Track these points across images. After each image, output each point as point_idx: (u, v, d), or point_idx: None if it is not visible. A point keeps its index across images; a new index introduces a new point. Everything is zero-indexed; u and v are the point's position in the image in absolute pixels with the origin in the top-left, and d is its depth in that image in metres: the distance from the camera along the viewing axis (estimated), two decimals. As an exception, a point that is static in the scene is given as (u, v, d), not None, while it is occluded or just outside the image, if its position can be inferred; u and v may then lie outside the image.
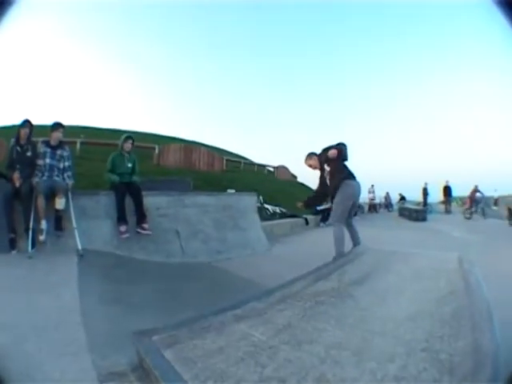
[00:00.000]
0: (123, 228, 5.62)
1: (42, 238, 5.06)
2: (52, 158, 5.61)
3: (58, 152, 5.67)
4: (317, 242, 8.22)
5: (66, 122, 6.06)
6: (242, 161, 17.03)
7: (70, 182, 5.60)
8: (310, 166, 5.68)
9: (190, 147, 13.12)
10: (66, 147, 5.87)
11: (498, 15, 1.99)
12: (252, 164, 17.73)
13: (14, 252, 5.05)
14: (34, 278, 4.15)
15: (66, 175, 5.68)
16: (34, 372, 2.25)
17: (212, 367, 1.87)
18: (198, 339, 2.22)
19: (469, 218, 15.46)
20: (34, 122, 5.68)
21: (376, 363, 1.87)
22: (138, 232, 5.73)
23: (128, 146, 6.18)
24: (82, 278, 4.11)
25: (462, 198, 20.91)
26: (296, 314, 2.66)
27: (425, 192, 19.74)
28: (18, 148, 5.65)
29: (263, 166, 17.73)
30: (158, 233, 5.82)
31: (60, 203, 5.30)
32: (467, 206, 16.77)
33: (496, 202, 20.43)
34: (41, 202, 5.15)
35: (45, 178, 5.48)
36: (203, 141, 17.39)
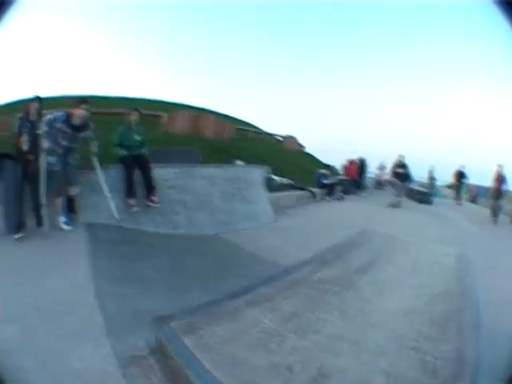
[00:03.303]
0: (132, 201, 5.64)
1: (66, 227, 5.07)
2: (73, 141, 5.20)
3: (82, 134, 5.26)
4: (321, 217, 8.41)
5: (68, 92, 5.91)
6: (251, 129, 16.94)
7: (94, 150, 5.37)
8: None
9: (198, 115, 12.91)
10: (91, 126, 5.40)
11: (497, 15, 2.06)
12: (260, 133, 17.66)
13: (21, 234, 4.87)
14: (46, 257, 4.18)
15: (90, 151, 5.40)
16: (53, 359, 2.30)
17: (228, 354, 2.05)
18: (213, 325, 2.38)
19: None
20: (34, 93, 5.33)
21: (371, 356, 2.01)
22: (148, 205, 5.74)
23: (135, 118, 6.09)
24: (93, 255, 4.21)
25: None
26: (302, 302, 2.83)
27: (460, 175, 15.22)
28: (28, 124, 5.27)
29: (272, 135, 17.68)
30: (166, 205, 5.84)
31: (74, 190, 5.22)
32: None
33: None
34: (58, 200, 5.08)
35: (59, 164, 5.14)
36: (212, 107, 17.19)
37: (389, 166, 12.78)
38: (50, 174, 4.99)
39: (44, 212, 4.96)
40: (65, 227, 5.06)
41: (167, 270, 4.13)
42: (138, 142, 5.99)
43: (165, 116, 12.53)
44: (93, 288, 3.37)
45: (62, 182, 5.07)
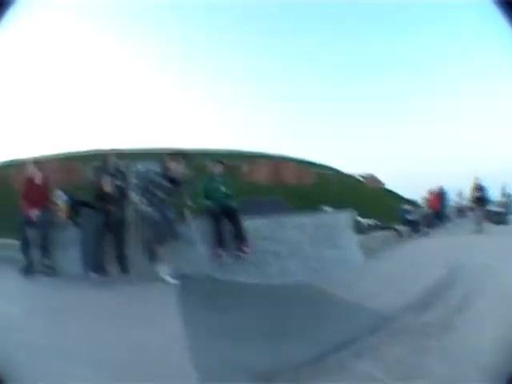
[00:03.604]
0: (222, 252, 5.64)
1: (170, 280, 5.08)
2: (167, 192, 5.26)
3: (176, 187, 5.31)
4: (409, 255, 8.24)
5: (138, 145, 6.20)
6: (331, 172, 17.18)
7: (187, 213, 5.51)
8: None
9: (277, 162, 13.38)
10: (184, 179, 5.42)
11: (498, 15, 1.98)
12: (341, 174, 17.82)
13: (103, 277, 5.28)
14: (133, 306, 4.26)
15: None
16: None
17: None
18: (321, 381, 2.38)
19: None
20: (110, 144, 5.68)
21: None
22: (238, 255, 5.70)
23: (219, 170, 6.21)
24: (185, 306, 4.20)
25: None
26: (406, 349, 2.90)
27: None
28: (107, 176, 5.54)
29: (351, 176, 17.72)
30: (258, 255, 5.85)
31: (175, 242, 5.30)
32: None
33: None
34: (160, 250, 5.17)
35: (158, 215, 5.15)
36: (290, 153, 17.70)
37: (466, 191, 12.30)
38: (151, 224, 5.12)
39: (128, 260, 5.27)
40: (169, 279, 5.08)
41: (261, 321, 4.02)
42: (223, 193, 6.09)
43: (245, 166, 13.03)
44: (186, 340, 3.29)
45: (164, 233, 5.14)
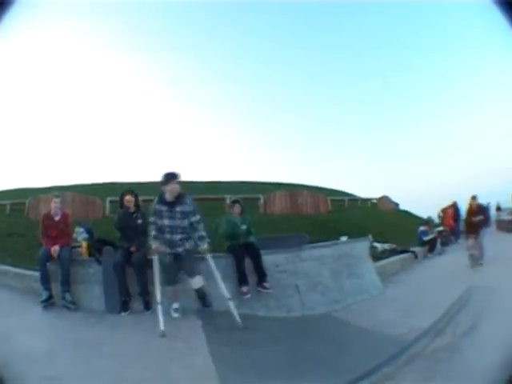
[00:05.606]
0: (245, 289, 5.71)
1: (175, 315, 5.25)
2: (171, 217, 5.12)
3: (178, 209, 5.11)
4: (425, 278, 8.55)
5: (153, 178, 6.11)
6: (346, 198, 17.42)
7: (204, 247, 5.18)
8: None
9: (294, 193, 13.57)
10: (188, 199, 5.22)
11: (497, 15, 2.11)
12: (355, 200, 18.02)
13: (125, 314, 5.48)
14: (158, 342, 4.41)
15: (197, 236, 5.21)
16: None
17: None
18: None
19: None
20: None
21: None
22: (259, 291, 5.79)
23: (237, 210, 6.36)
24: (209, 341, 4.35)
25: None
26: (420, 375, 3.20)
27: None
28: (128, 216, 5.81)
29: (366, 200, 17.91)
30: (278, 289, 5.99)
31: (197, 283, 5.18)
32: None
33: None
34: (173, 289, 5.27)
35: (168, 252, 5.18)
36: (304, 181, 17.93)
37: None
38: (162, 264, 5.19)
39: (151, 297, 5.32)
40: (174, 315, 5.25)
41: (283, 355, 4.13)
42: (243, 230, 6.25)
43: (261, 198, 13.11)
44: (215, 375, 3.41)
45: (171, 274, 5.22)
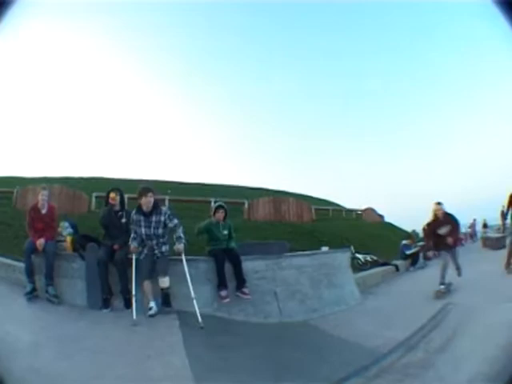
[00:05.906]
0: (224, 293, 5.76)
1: (151, 312, 5.22)
2: (147, 226, 5.52)
3: (153, 219, 5.51)
4: (404, 291, 8.49)
5: (149, 177, 6.36)
6: (330, 208, 17.49)
7: (179, 247, 5.45)
8: None
9: (278, 199, 13.56)
10: (163, 209, 5.67)
11: (498, 15, 2.13)
12: (340, 210, 18.14)
13: (106, 310, 5.48)
14: (136, 341, 4.39)
15: (174, 237, 5.54)
16: None
17: None
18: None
19: None
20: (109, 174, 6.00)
21: None
22: (238, 296, 5.85)
23: (220, 216, 6.38)
24: (188, 343, 4.29)
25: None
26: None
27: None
28: (113, 214, 5.92)
29: (351, 211, 17.99)
30: (257, 295, 6.01)
31: (164, 282, 5.34)
32: None
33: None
34: (147, 285, 5.32)
35: (145, 252, 5.55)
36: (290, 189, 17.97)
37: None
38: (138, 261, 5.46)
39: (131, 295, 5.30)
40: (150, 312, 5.23)
41: (259, 359, 4.14)
42: (226, 235, 6.35)
43: (245, 203, 13.06)
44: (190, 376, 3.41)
45: (146, 270, 5.39)
